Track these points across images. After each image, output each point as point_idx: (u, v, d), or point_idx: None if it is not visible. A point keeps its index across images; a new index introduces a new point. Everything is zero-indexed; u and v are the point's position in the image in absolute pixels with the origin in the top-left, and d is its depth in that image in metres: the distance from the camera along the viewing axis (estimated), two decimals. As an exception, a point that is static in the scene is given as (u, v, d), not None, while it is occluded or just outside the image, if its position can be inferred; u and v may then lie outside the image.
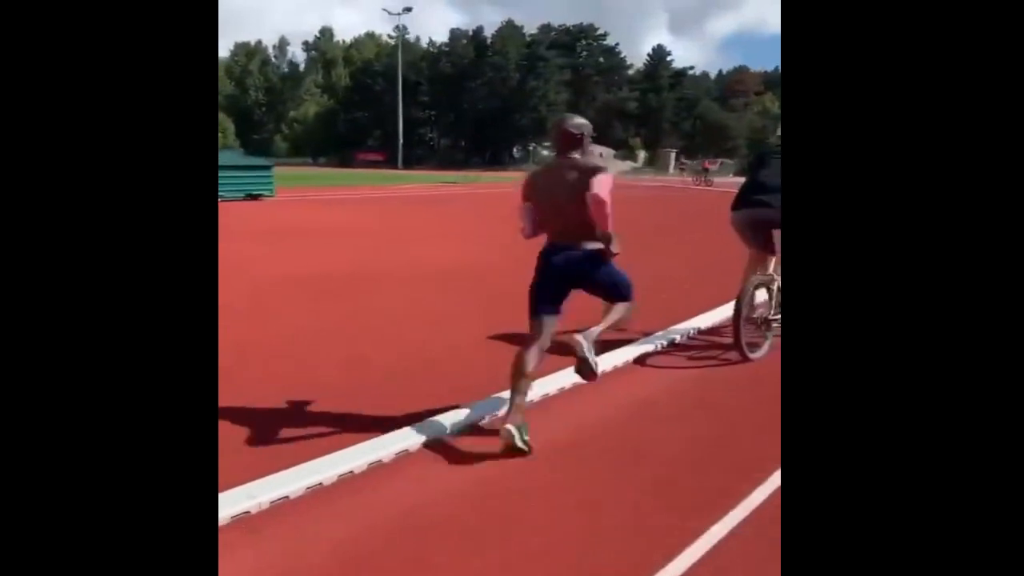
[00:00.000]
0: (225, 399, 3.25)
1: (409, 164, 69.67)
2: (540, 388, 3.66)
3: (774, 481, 2.73)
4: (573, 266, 3.35)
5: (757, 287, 4.64)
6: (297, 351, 4.63)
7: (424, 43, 76.24)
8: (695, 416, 3.56)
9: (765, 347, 4.61)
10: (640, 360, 4.48)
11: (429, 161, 68.84)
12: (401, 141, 66.30)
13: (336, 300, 6.34)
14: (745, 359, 4.46)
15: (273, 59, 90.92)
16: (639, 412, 3.61)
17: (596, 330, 3.35)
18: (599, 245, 3.32)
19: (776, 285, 4.72)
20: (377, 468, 2.84)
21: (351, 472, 2.77)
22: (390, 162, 66.12)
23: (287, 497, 2.56)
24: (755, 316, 4.68)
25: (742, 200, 4.83)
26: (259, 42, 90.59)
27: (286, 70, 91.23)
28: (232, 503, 2.45)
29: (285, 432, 3.20)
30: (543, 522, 2.45)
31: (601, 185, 3.20)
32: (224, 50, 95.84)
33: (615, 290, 3.48)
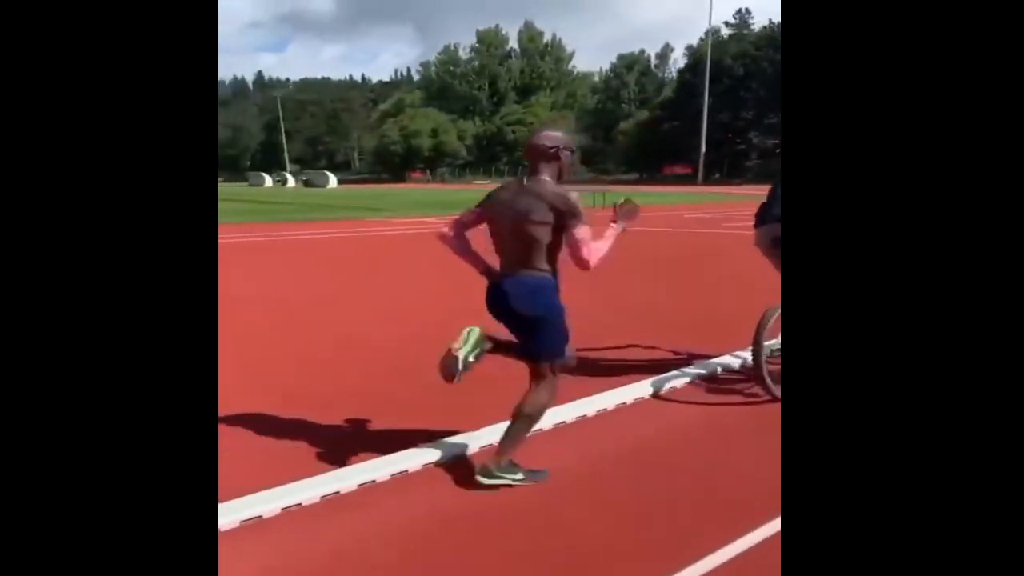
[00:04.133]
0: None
1: (724, 176, 56.82)
2: (555, 416, 3.51)
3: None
4: (512, 299, 2.86)
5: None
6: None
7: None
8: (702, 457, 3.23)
9: None
10: (658, 394, 4.07)
11: (747, 174, 54.79)
12: (703, 150, 54.18)
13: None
14: (771, 396, 3.86)
15: (654, 68, 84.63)
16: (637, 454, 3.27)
17: None
18: (542, 274, 2.86)
19: None
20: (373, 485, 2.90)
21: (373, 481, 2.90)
22: (695, 176, 54.72)
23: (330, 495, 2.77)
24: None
25: (763, 215, 4.19)
26: (642, 51, 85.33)
27: (665, 78, 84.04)
28: (247, 507, 2.61)
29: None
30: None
31: (581, 242, 2.77)
32: (605, 63, 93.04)
33: (529, 344, 2.93)
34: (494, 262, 2.99)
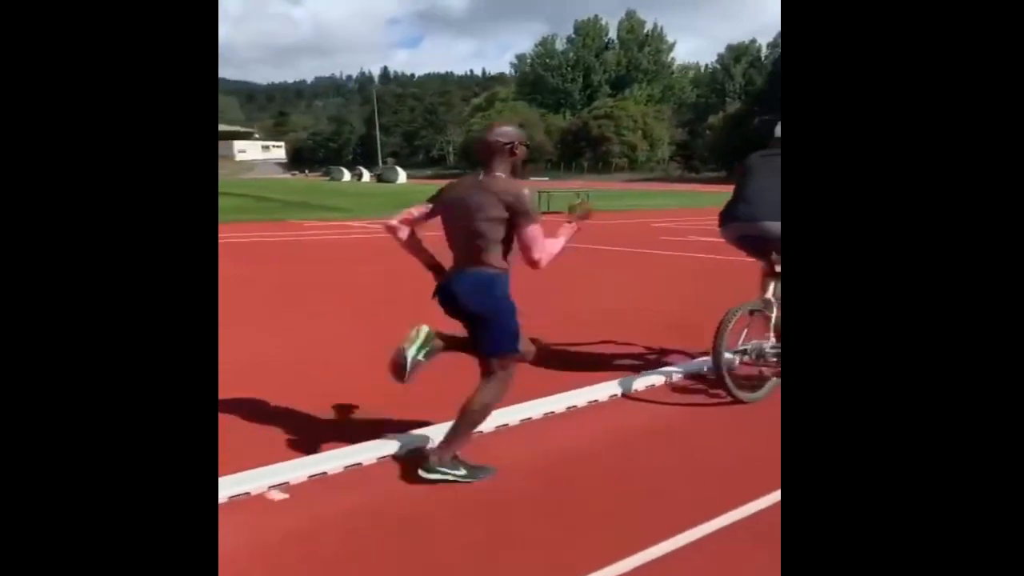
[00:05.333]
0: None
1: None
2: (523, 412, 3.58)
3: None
4: (460, 294, 2.86)
5: (752, 313, 4.05)
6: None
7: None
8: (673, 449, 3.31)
9: (767, 387, 3.93)
10: (628, 395, 4.03)
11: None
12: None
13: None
14: (734, 399, 3.81)
15: (763, 58, 78.86)
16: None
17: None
18: (493, 270, 2.83)
19: (776, 312, 4.01)
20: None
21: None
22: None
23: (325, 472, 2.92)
24: (747, 349, 3.98)
25: (727, 214, 4.09)
26: (753, 40, 79.75)
27: (776, 70, 78.10)
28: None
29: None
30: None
31: (534, 242, 2.76)
32: (713, 55, 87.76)
33: (480, 341, 2.91)
34: (446, 259, 3.00)
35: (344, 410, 3.73)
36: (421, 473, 2.88)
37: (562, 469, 3.02)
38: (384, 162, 73.77)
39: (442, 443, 2.93)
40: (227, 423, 3.39)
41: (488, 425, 3.22)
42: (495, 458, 3.04)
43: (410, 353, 2.79)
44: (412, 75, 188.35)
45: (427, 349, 2.83)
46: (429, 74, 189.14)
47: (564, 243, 2.85)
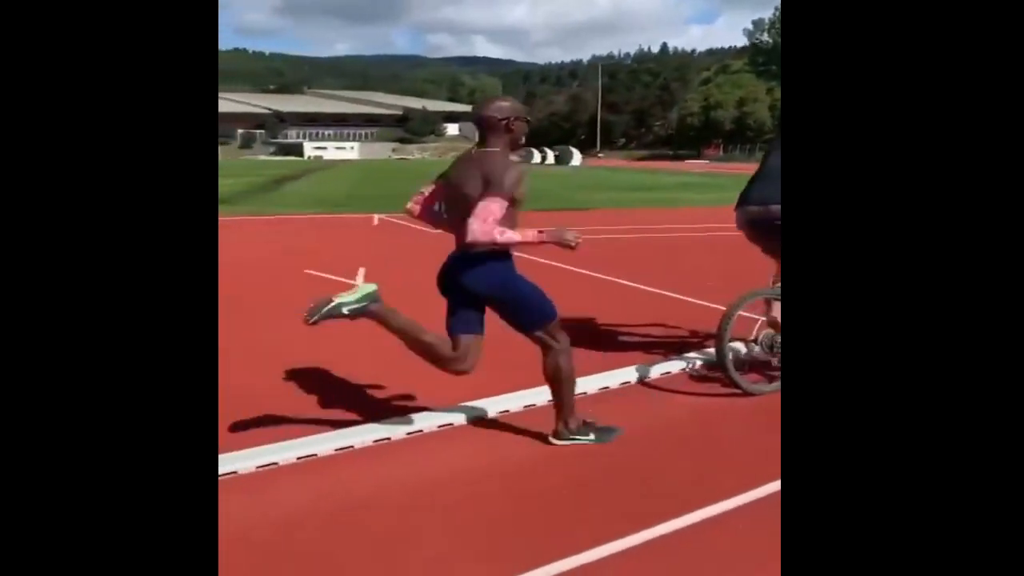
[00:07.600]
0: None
1: None
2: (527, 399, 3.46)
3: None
4: (461, 275, 2.79)
5: (769, 301, 3.82)
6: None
7: None
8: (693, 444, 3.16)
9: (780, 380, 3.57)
10: (644, 381, 3.90)
11: None
12: None
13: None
14: (742, 391, 3.59)
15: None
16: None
17: None
18: (490, 250, 2.72)
19: None
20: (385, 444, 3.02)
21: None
22: None
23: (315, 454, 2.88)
24: (759, 339, 3.80)
25: (742, 196, 3.85)
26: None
27: None
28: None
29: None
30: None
31: (480, 212, 2.61)
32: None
33: (511, 321, 2.86)
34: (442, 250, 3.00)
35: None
36: (553, 440, 3.00)
37: (570, 466, 2.92)
38: (582, 144, 70.73)
39: (559, 416, 3.00)
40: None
41: (493, 410, 3.32)
42: (506, 448, 3.04)
43: (337, 298, 2.62)
44: (693, 51, 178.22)
45: (361, 306, 2.65)
46: (711, 49, 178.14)
47: (521, 240, 2.67)
